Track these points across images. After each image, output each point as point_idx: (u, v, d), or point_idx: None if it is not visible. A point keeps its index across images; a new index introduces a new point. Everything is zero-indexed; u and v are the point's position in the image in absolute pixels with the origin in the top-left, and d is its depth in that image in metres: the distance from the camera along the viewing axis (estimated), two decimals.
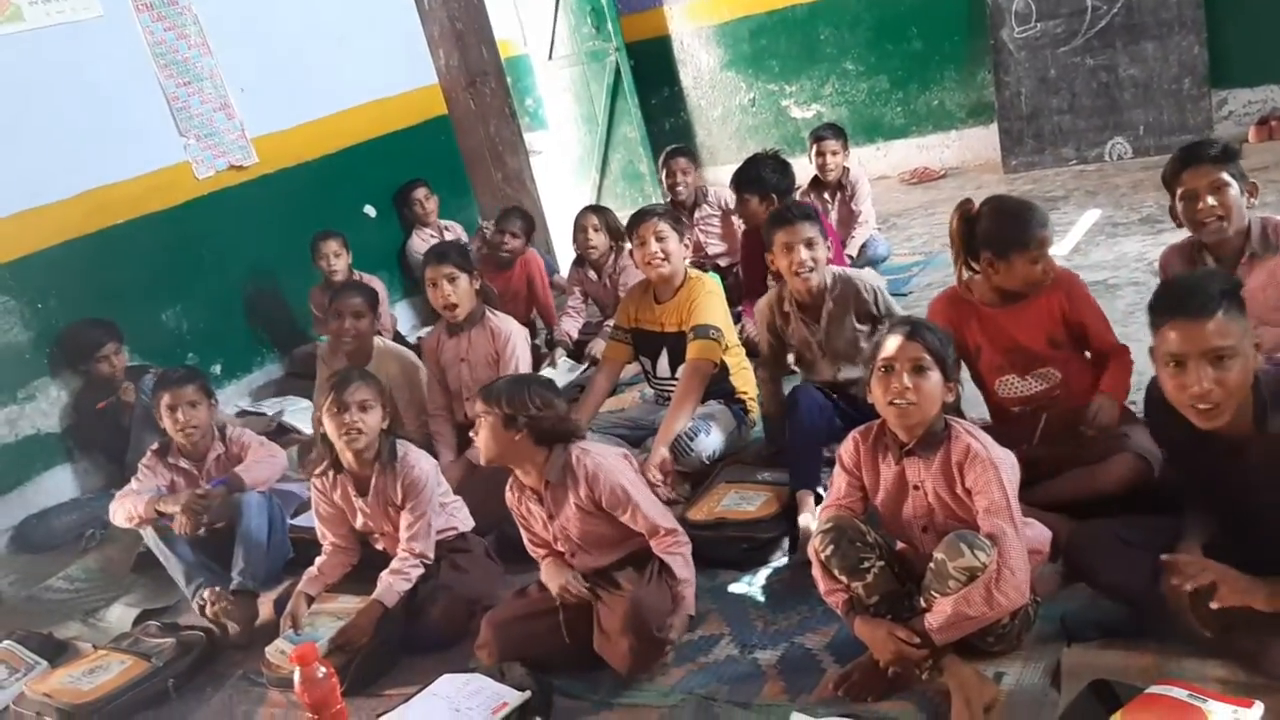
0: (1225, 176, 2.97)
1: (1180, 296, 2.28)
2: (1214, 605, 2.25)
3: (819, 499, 3.33)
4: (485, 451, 3.00)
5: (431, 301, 4.36)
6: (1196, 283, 2.32)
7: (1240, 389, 2.23)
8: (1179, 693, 2.18)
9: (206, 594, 3.65)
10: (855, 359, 3.64)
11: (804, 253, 3.57)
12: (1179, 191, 3.07)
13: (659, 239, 3.92)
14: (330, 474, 3.52)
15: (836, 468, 2.77)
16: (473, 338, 4.28)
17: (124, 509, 3.89)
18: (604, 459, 3.05)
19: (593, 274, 5.59)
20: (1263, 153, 6.33)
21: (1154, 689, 2.21)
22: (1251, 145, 6.50)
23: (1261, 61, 6.76)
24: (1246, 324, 2.24)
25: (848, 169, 5.94)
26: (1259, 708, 2.13)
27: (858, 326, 3.68)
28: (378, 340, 4.64)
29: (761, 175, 4.79)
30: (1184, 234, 3.22)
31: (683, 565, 3.02)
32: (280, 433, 5.38)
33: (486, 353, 4.25)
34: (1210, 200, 2.98)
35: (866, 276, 3.85)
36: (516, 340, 4.26)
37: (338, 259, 6.08)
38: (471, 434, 3.07)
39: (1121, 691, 2.26)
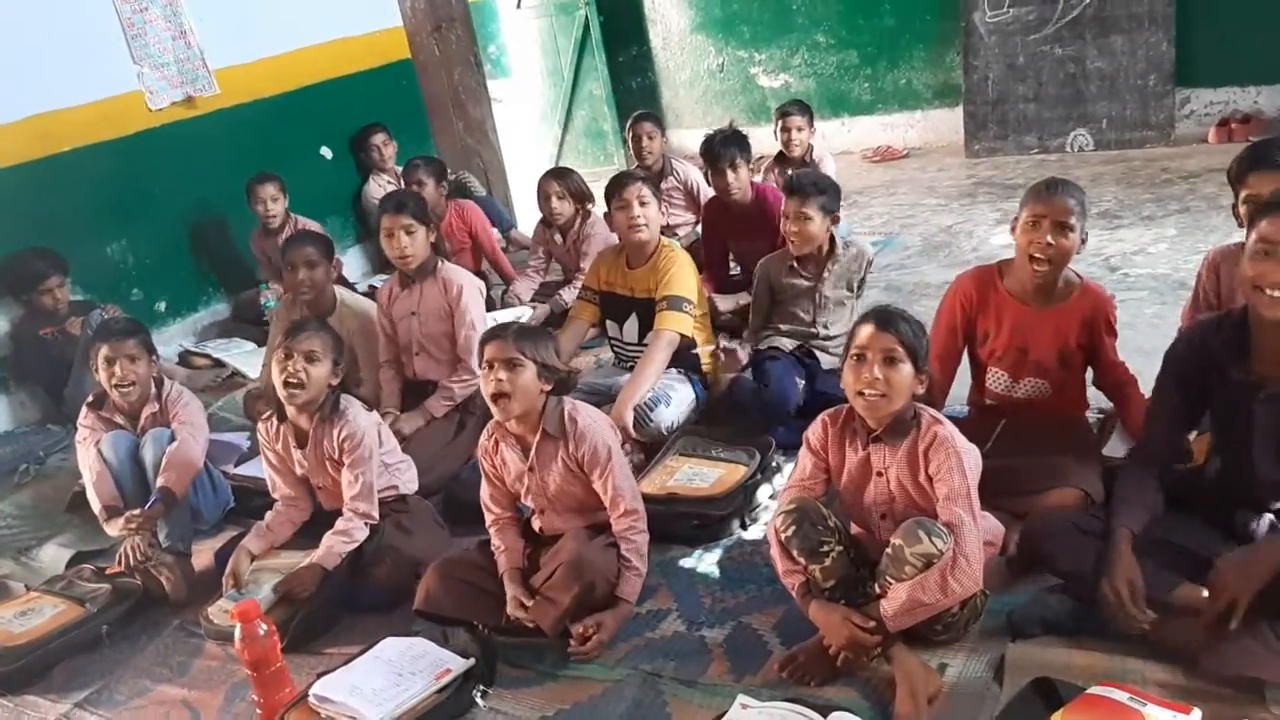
0: None
1: None
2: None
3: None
4: (522, 401, 2.90)
5: (385, 251, 4.24)
6: None
7: None
8: (1120, 695, 2.21)
9: (135, 546, 3.51)
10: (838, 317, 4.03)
11: (794, 225, 3.90)
12: (1243, 194, 2.97)
13: (642, 203, 3.93)
14: (274, 421, 3.46)
15: (803, 448, 2.76)
16: (424, 290, 4.18)
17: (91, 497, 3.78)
18: (594, 418, 3.04)
19: (558, 237, 5.52)
20: (1222, 154, 6.34)
21: (1095, 690, 2.25)
22: (1211, 146, 6.55)
23: (1226, 63, 6.82)
24: None
25: (812, 146, 5.91)
26: (1196, 714, 2.17)
27: (846, 290, 4.04)
28: (341, 292, 4.45)
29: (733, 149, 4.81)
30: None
31: (635, 554, 2.97)
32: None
33: (438, 306, 4.16)
34: None
35: (867, 248, 4.16)
36: (468, 292, 4.17)
37: (274, 203, 5.93)
38: (488, 383, 2.89)
39: (1063, 690, 2.30)
